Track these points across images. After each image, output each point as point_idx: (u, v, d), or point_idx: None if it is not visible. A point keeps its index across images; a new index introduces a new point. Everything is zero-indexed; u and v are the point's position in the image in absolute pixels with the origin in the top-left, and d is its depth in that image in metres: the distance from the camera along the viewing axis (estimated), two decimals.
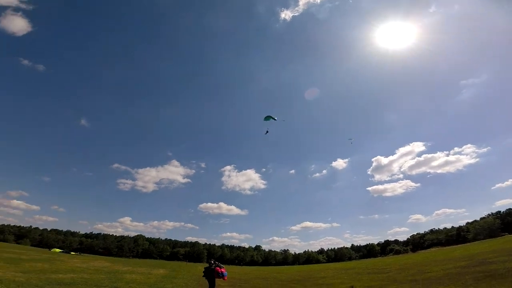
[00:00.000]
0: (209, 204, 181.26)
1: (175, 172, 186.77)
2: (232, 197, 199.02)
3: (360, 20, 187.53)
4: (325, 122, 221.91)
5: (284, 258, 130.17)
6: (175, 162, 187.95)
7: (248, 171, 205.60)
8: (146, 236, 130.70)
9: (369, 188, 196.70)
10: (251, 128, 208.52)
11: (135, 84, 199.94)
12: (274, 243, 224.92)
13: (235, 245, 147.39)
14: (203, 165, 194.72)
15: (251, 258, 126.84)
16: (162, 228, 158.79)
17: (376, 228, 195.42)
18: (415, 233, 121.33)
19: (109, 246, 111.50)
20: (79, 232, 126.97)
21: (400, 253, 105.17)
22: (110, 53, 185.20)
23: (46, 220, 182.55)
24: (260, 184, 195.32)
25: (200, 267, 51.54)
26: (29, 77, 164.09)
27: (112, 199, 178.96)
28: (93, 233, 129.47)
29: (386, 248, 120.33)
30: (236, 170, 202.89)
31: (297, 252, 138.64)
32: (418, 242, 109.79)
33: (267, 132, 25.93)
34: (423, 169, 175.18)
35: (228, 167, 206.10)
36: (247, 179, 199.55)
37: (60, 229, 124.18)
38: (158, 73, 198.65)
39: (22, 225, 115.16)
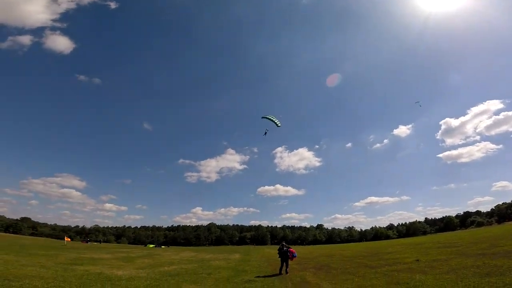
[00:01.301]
0: (266, 187, 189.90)
1: (232, 160, 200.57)
2: (287, 178, 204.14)
3: None
4: (379, 90, 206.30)
5: (350, 236, 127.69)
6: (231, 150, 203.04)
7: (300, 150, 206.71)
8: (217, 224, 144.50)
9: (441, 155, 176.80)
10: (296, 107, 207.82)
11: (183, 85, 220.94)
12: (337, 220, 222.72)
13: (295, 226, 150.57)
14: (255, 150, 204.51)
15: (313, 238, 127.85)
16: (229, 214, 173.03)
17: (454, 199, 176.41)
18: (501, 203, 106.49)
19: (188, 237, 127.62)
20: (162, 226, 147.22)
21: (482, 225, 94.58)
22: (155, 59, 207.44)
23: (134, 218, 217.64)
24: (315, 162, 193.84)
25: (267, 249, 56.21)
26: (88, 91, 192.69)
27: (183, 192, 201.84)
28: (174, 225, 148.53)
29: (466, 220, 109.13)
30: (288, 151, 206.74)
31: (363, 229, 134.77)
32: (504, 213, 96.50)
33: (265, 133, 25.83)
34: (504, 128, 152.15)
35: (279, 149, 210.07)
36: (300, 158, 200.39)
37: (147, 225, 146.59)
38: (201, 71, 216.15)
39: (118, 226, 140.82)
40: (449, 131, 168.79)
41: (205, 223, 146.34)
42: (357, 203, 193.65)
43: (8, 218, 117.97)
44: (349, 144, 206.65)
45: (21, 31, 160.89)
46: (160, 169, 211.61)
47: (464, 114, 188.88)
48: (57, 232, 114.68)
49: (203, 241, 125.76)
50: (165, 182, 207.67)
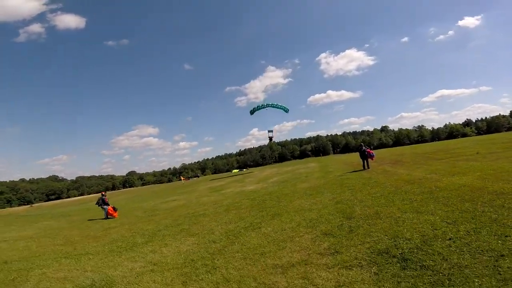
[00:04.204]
0: (317, 96, 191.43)
1: (274, 76, 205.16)
2: (339, 82, 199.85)
3: None
4: None
5: (420, 136, 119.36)
6: (271, 67, 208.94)
7: (348, 51, 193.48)
8: (276, 141, 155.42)
9: None
10: (332, 7, 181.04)
11: (206, 20, 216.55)
12: (403, 120, 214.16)
13: (357, 131, 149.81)
14: (296, 61, 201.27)
15: (379, 142, 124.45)
16: (283, 130, 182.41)
17: None
18: None
19: (255, 158, 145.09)
20: (232, 153, 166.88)
21: None
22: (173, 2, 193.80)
23: (206, 151, 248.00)
24: (368, 61, 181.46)
25: (337, 157, 62.01)
26: (122, 52, 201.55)
27: (237, 116, 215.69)
28: (241, 150, 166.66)
29: None
30: (333, 55, 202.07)
31: (435, 127, 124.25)
32: None
33: (271, 139, 23.32)
34: None
35: (323, 55, 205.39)
36: (349, 60, 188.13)
37: (218, 154, 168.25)
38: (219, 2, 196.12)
39: (196, 161, 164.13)
40: None
41: (264, 142, 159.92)
42: (425, 98, 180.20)
43: (119, 176, 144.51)
44: (405, 39, 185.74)
45: (25, 22, 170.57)
46: (213, 100, 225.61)
47: None
48: (158, 177, 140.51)
49: (268, 159, 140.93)
50: (220, 111, 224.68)
